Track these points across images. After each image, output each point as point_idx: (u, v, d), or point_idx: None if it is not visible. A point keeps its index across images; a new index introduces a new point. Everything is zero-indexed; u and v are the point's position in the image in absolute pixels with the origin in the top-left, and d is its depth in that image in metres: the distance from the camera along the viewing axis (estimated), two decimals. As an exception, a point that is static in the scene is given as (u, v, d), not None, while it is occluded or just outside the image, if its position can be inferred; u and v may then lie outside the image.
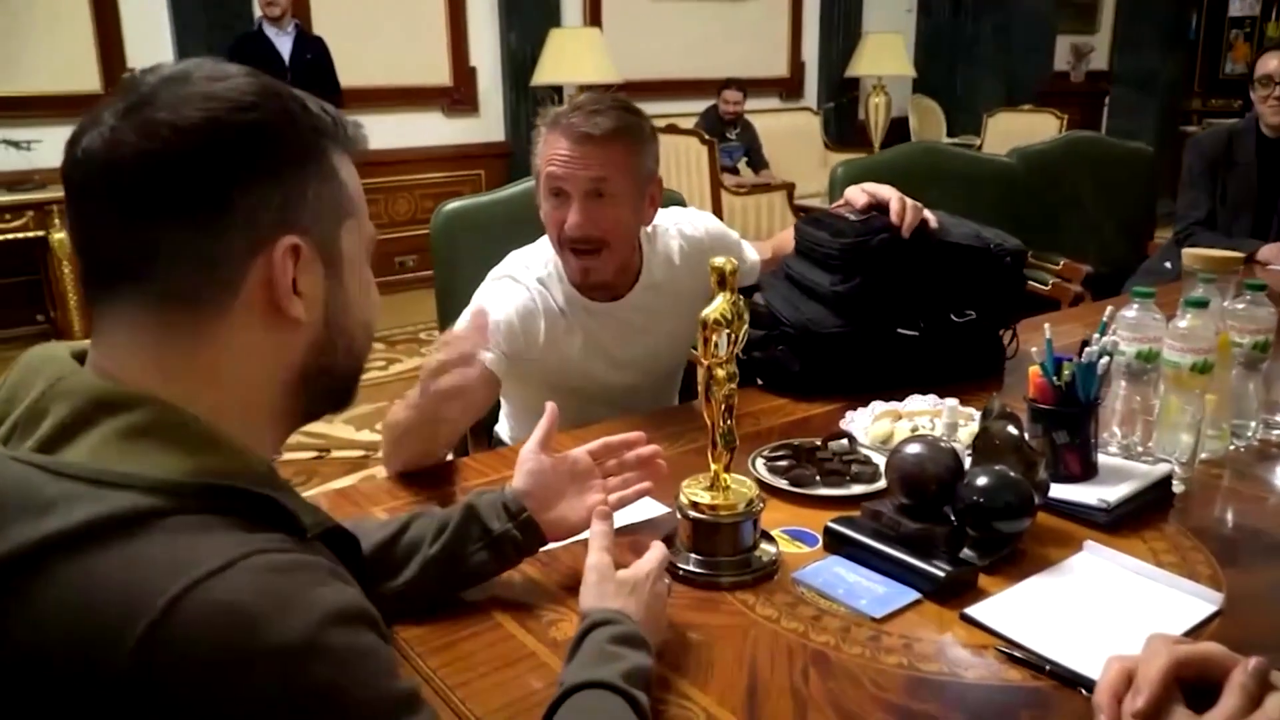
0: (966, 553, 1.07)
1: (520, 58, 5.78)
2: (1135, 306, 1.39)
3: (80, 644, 0.54)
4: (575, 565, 0.99)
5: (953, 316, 1.63)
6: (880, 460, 1.26)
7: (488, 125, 5.94)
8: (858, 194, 1.67)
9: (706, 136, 5.34)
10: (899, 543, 1.07)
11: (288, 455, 3.38)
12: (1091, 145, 3.43)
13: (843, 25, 7.25)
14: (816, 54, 7.29)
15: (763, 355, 1.65)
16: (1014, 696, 0.90)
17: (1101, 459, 1.27)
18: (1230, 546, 1.17)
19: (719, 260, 1.04)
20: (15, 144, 4.39)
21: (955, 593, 1.02)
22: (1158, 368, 1.37)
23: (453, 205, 1.93)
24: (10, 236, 4.28)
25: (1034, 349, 1.40)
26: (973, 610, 1.00)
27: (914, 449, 1.10)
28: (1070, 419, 1.24)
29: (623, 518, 1.15)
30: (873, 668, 0.92)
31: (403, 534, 1.01)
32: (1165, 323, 1.37)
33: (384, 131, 5.16)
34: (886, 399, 1.50)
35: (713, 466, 1.09)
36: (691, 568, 1.08)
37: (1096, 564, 1.10)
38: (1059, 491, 1.19)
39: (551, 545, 1.07)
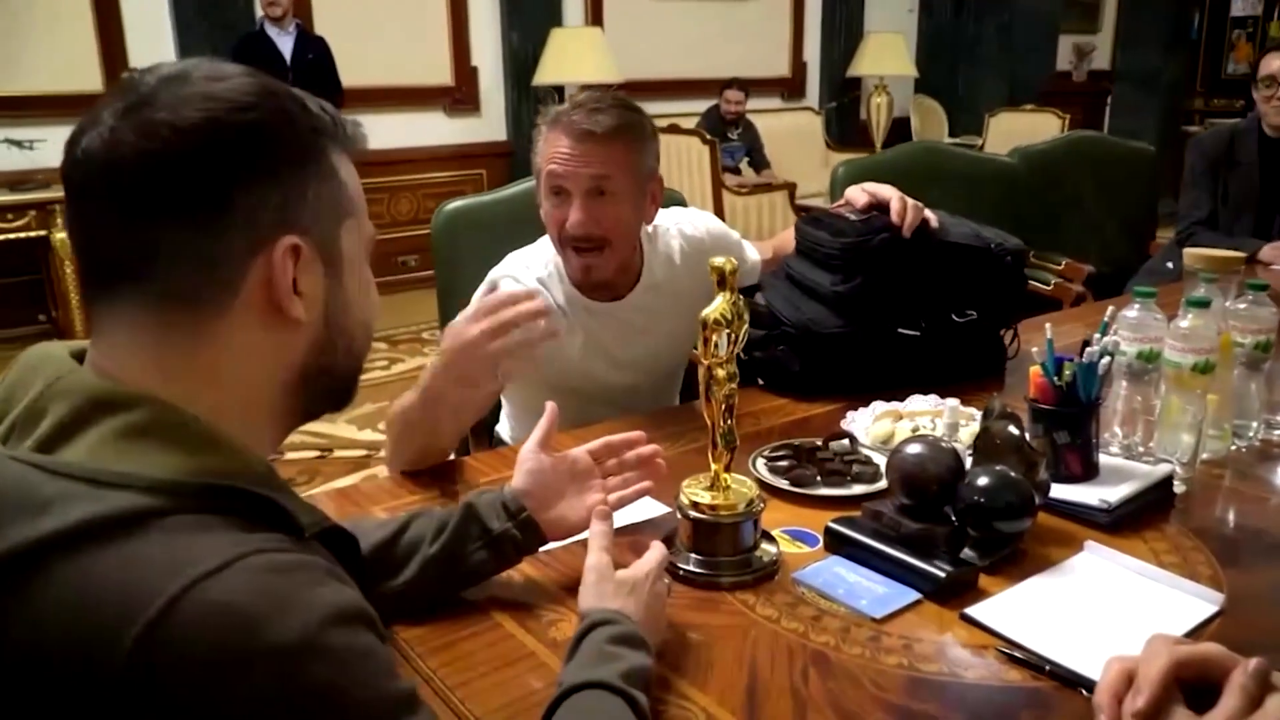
0: (967, 553, 1.06)
1: (522, 57, 5.79)
2: (1137, 306, 1.39)
3: (78, 644, 0.54)
4: (575, 565, 0.99)
5: (954, 316, 1.63)
6: (881, 460, 1.26)
7: (489, 125, 5.94)
8: (858, 194, 1.66)
9: (708, 136, 5.34)
10: (899, 543, 1.07)
11: (290, 455, 3.38)
12: (1093, 145, 3.42)
13: (844, 25, 7.25)
14: (818, 54, 7.29)
15: (763, 355, 1.65)
16: (1014, 697, 0.89)
17: (1102, 459, 1.27)
18: (1231, 547, 1.17)
19: (719, 260, 1.04)
20: (17, 143, 4.40)
21: (956, 593, 1.02)
22: (1159, 368, 1.36)
23: (454, 205, 1.93)
24: (12, 236, 4.28)
25: (1035, 349, 1.40)
26: (973, 610, 1.00)
27: (915, 449, 1.10)
28: (1071, 419, 1.24)
29: (623, 517, 1.15)
30: (873, 668, 0.92)
31: (402, 534, 1.01)
32: (1167, 323, 1.37)
33: (385, 131, 5.17)
34: (887, 399, 1.50)
35: (713, 466, 1.08)
36: (691, 568, 1.08)
37: (1097, 564, 1.10)
38: (1060, 492, 1.19)
39: (551, 545, 1.07)
